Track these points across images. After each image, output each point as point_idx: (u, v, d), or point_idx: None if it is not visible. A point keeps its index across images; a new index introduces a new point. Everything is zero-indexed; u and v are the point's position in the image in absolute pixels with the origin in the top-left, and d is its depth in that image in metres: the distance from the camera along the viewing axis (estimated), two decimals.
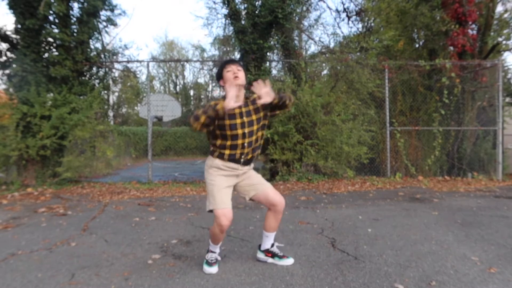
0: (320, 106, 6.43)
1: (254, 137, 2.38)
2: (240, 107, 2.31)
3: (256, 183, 2.47)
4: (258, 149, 2.48)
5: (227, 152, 2.34)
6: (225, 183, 2.36)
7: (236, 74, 2.32)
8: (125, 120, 21.41)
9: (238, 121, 2.31)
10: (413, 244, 3.00)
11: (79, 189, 5.96)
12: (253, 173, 2.52)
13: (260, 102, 2.20)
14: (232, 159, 2.35)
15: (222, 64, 2.43)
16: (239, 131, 2.31)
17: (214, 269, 2.44)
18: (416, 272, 2.40)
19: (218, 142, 2.36)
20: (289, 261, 2.57)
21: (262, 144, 2.51)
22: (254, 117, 2.37)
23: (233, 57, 9.76)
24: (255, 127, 2.36)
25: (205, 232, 3.43)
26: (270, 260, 2.59)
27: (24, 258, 2.73)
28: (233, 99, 2.17)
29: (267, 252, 2.60)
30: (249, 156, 2.40)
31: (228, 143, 2.33)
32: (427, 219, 3.87)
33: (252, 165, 2.51)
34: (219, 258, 2.55)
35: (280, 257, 2.57)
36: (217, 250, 2.54)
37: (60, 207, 4.56)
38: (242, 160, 2.37)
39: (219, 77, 2.41)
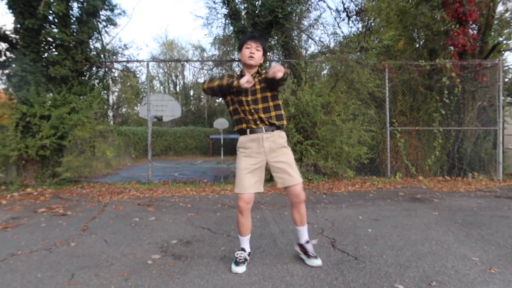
0: (320, 106, 6.43)
1: (260, 105, 2.44)
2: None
3: (280, 170, 2.47)
4: (271, 112, 2.46)
5: (244, 126, 2.46)
6: (251, 166, 2.44)
7: (252, 54, 2.40)
8: (125, 120, 21.41)
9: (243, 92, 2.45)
10: (413, 244, 3.00)
11: (79, 189, 5.95)
12: (282, 153, 2.49)
13: (270, 75, 2.27)
14: (251, 130, 2.44)
15: (245, 38, 2.51)
16: (243, 98, 2.44)
17: (240, 269, 2.41)
18: (417, 272, 2.39)
19: (235, 118, 2.51)
20: (315, 262, 2.50)
21: (278, 111, 2.49)
22: (257, 86, 2.46)
23: (234, 57, 9.75)
24: (259, 95, 2.44)
25: (205, 232, 3.43)
26: (302, 255, 2.58)
27: (24, 258, 2.73)
28: (248, 81, 2.31)
29: (301, 247, 2.60)
30: (265, 121, 2.44)
31: (240, 116, 2.46)
32: (428, 219, 3.86)
33: (277, 134, 2.47)
34: (247, 257, 2.51)
35: (309, 256, 2.54)
36: (246, 247, 2.53)
37: (59, 207, 4.55)
38: (258, 127, 2.43)
39: (240, 49, 2.50)
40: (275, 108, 2.49)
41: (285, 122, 2.55)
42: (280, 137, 2.51)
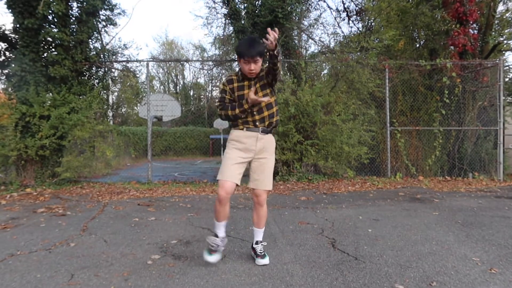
0: (320, 106, 6.42)
1: (260, 105, 2.50)
2: (250, 79, 2.53)
3: (257, 177, 2.54)
4: (265, 112, 2.53)
5: (240, 121, 2.54)
6: (239, 158, 2.52)
7: (251, 71, 2.46)
8: (125, 120, 21.41)
9: (246, 91, 2.52)
10: (413, 244, 2.99)
11: (79, 189, 5.95)
12: (267, 163, 2.56)
13: (267, 42, 2.27)
14: (248, 128, 2.53)
15: (241, 49, 2.45)
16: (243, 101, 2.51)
17: (212, 258, 2.47)
18: (417, 273, 2.38)
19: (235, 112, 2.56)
20: (261, 261, 2.55)
21: (272, 111, 2.57)
22: (257, 84, 2.53)
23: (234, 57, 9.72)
24: (260, 93, 2.50)
25: (205, 232, 3.42)
26: (253, 255, 2.64)
27: (23, 258, 2.72)
28: (252, 96, 2.44)
29: (252, 248, 2.67)
30: (264, 121, 2.53)
31: (239, 112, 2.52)
32: (428, 219, 3.86)
33: (269, 137, 2.58)
34: (220, 244, 2.50)
35: (256, 255, 2.60)
36: (220, 231, 2.52)
37: (59, 208, 4.54)
38: (255, 126, 2.53)
39: (237, 55, 2.52)
40: (267, 108, 2.55)
41: (276, 119, 2.61)
42: (271, 141, 2.63)
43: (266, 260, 2.56)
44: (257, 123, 2.54)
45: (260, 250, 2.60)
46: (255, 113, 2.53)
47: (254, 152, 2.55)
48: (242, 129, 2.55)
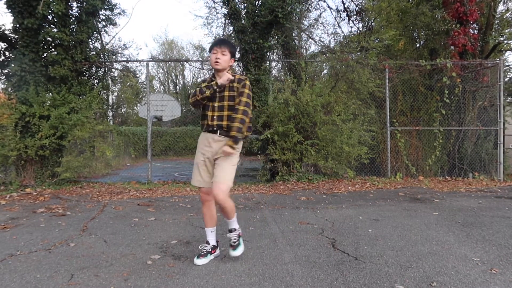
0: (320, 106, 6.41)
1: (225, 112, 2.55)
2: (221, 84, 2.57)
3: (215, 174, 2.57)
4: (227, 120, 2.56)
5: (204, 122, 2.63)
6: (202, 159, 2.63)
7: (217, 60, 2.52)
8: (125, 120, 21.38)
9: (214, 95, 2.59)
10: (413, 244, 2.99)
11: (78, 190, 5.94)
12: (224, 162, 2.56)
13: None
14: (207, 129, 2.60)
15: (212, 43, 2.65)
16: (210, 103, 2.59)
17: (200, 261, 2.58)
18: (417, 273, 2.38)
19: (201, 114, 2.69)
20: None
21: (232, 115, 2.56)
22: (226, 93, 2.57)
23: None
24: (225, 103, 2.56)
25: (205, 232, 3.41)
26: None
27: (23, 259, 2.71)
28: (228, 79, 2.55)
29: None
30: (220, 125, 2.56)
31: (204, 113, 2.63)
32: (428, 219, 3.85)
33: (226, 144, 2.54)
34: (210, 250, 2.66)
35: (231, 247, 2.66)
36: (210, 238, 2.68)
37: (59, 208, 4.54)
38: (213, 129, 2.57)
39: (210, 50, 2.65)
40: (228, 118, 2.56)
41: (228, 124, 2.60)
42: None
43: (239, 251, 2.60)
44: (213, 127, 2.59)
45: (234, 239, 2.63)
46: (215, 117, 2.58)
47: (214, 155, 2.61)
48: (203, 128, 2.67)
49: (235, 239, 2.62)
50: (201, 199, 2.67)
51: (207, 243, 2.68)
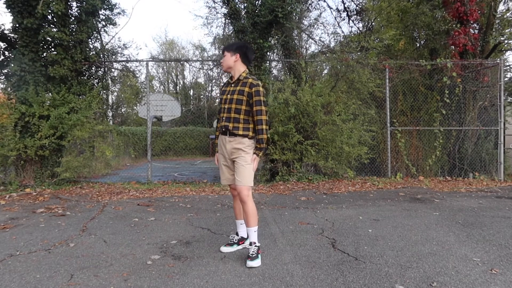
0: (320, 106, 6.41)
1: (232, 115, 2.66)
2: (231, 85, 2.74)
3: (235, 176, 2.69)
4: (233, 122, 2.66)
5: (218, 125, 2.81)
6: (223, 160, 2.79)
7: (221, 63, 2.77)
8: (124, 120, 21.35)
9: (224, 96, 2.75)
10: (414, 244, 2.98)
11: (78, 190, 5.93)
12: (238, 163, 2.64)
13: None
14: (220, 130, 2.76)
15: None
16: (222, 105, 2.76)
17: (225, 249, 2.84)
18: (417, 273, 2.37)
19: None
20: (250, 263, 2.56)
21: (241, 118, 2.67)
22: (235, 96, 2.66)
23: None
24: (233, 105, 2.66)
25: (205, 232, 3.41)
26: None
27: (23, 259, 2.71)
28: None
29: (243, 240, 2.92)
30: (227, 126, 2.67)
31: (219, 116, 2.80)
32: (428, 219, 3.85)
33: (238, 140, 2.65)
34: (235, 242, 2.89)
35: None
36: (240, 230, 2.90)
37: (58, 208, 4.53)
38: (223, 130, 2.72)
39: None
40: (233, 120, 2.68)
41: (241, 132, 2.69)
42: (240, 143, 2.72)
43: (255, 263, 2.52)
44: (223, 128, 2.76)
45: (252, 252, 2.59)
46: (224, 118, 2.75)
47: (229, 155, 2.74)
48: (218, 130, 2.87)
49: (253, 252, 2.57)
50: (232, 194, 2.92)
51: (237, 234, 2.91)
